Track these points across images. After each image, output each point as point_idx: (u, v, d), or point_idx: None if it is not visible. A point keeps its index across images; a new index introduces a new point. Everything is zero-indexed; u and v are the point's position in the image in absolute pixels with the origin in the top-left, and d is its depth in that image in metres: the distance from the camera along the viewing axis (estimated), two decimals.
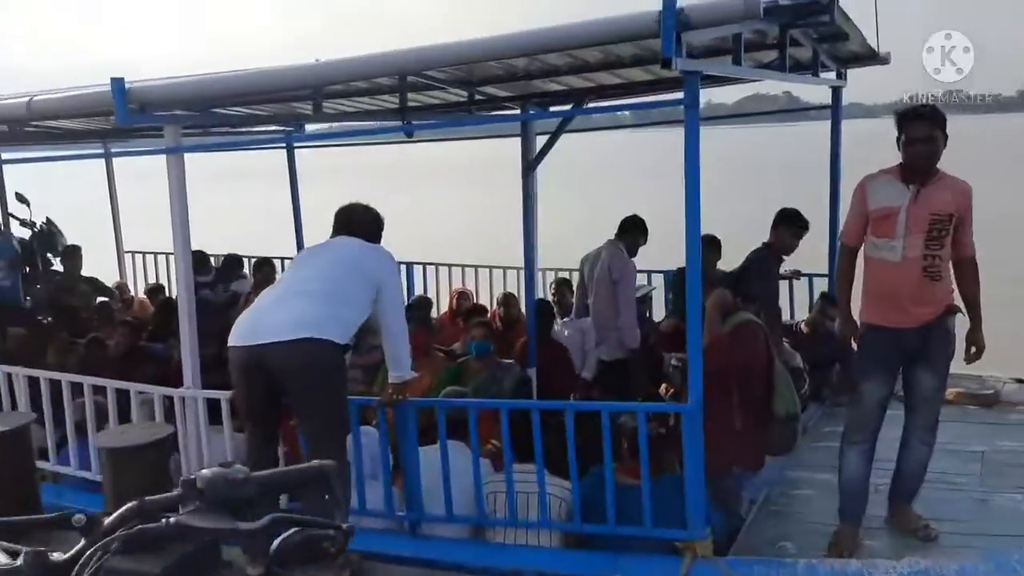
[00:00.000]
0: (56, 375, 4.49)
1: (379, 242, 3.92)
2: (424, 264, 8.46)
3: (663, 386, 5.99)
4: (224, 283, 7.57)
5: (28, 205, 8.28)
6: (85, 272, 8.27)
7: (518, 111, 6.28)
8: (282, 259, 8.34)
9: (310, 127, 7.45)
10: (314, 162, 8.28)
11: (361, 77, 4.11)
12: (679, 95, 3.52)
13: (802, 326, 6.42)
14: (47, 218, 8.50)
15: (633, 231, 5.85)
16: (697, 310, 3.62)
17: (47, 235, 8.38)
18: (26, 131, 7.37)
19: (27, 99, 3.98)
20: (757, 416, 4.23)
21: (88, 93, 3.79)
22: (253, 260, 8.07)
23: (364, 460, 3.98)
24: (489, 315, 7.06)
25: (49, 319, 7.19)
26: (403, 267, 8.36)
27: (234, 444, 4.05)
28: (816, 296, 6.51)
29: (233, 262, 7.93)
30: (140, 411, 4.26)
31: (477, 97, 5.78)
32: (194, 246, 7.58)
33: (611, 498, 3.69)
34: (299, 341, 3.35)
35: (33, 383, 4.56)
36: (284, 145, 7.93)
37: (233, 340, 3.49)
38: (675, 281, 6.48)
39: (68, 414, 4.42)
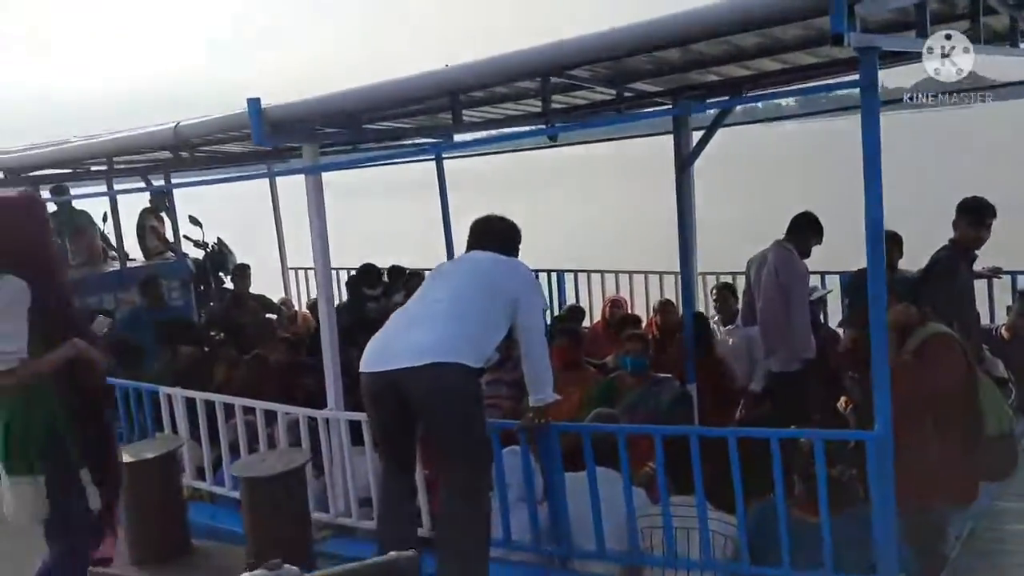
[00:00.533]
0: (210, 396, 4.55)
1: (516, 255, 3.66)
2: (576, 271, 8.16)
3: (842, 400, 5.42)
4: (388, 296, 7.55)
5: (201, 227, 8.75)
6: (254, 289, 8.60)
7: (670, 106, 5.86)
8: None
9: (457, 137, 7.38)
10: (457, 171, 8.15)
11: (501, 78, 3.87)
12: (852, 77, 3.06)
13: (1002, 331, 5.66)
14: (218, 238, 8.95)
15: (805, 230, 5.29)
16: (881, 320, 3.12)
17: (218, 255, 8.82)
18: (195, 156, 7.78)
19: (174, 125, 4.06)
20: (962, 440, 3.63)
21: (227, 116, 3.81)
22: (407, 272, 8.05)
23: (510, 482, 3.76)
24: (645, 324, 6.69)
25: (220, 336, 7.49)
26: (554, 275, 8.14)
27: (375, 466, 3.91)
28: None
29: (397, 274, 7.91)
30: (287, 432, 4.23)
31: (625, 95, 5.44)
32: (360, 260, 7.82)
33: (785, 536, 3.25)
34: (428, 367, 3.14)
35: (191, 403, 4.66)
36: (432, 157, 7.90)
37: (363, 366, 3.34)
38: (852, 284, 5.84)
39: (222, 435, 4.47)
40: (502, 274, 3.48)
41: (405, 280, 7.63)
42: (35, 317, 3.00)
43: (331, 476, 4.12)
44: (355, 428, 4.03)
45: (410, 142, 6.95)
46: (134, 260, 8.89)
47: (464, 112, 5.27)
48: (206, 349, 7.16)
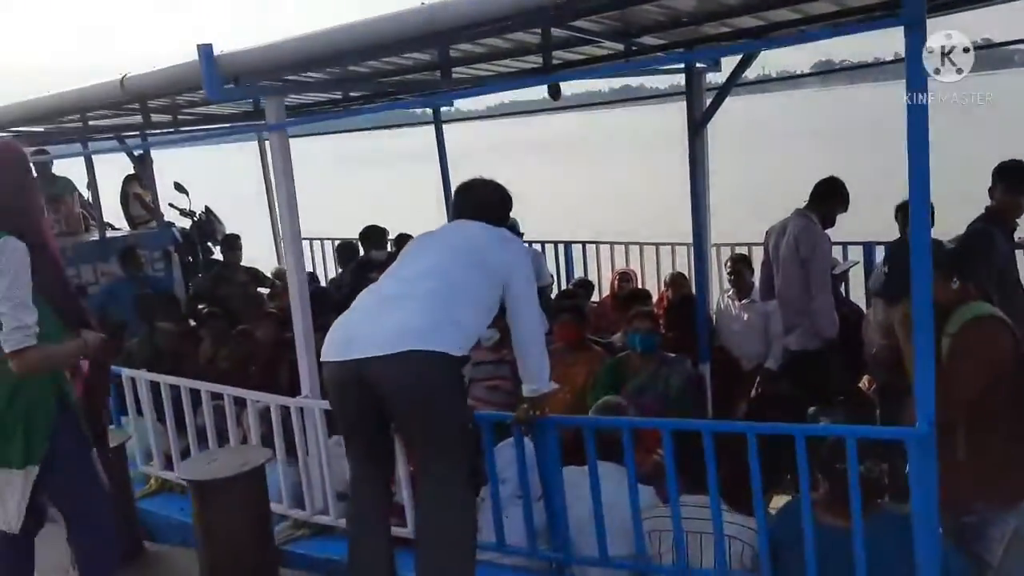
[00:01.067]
0: (175, 380, 4.14)
1: (506, 224, 3.22)
2: (584, 243, 7.70)
3: (865, 379, 5.00)
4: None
5: (187, 194, 8.32)
6: (251, 262, 8.14)
7: (683, 53, 5.33)
8: None
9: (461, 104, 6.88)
10: (461, 140, 7.68)
11: (492, 19, 3.39)
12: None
13: None
14: (206, 207, 8.52)
15: (830, 198, 4.83)
16: (925, 295, 2.70)
17: (206, 224, 8.40)
18: (179, 119, 7.35)
19: (120, 77, 3.61)
20: (1010, 434, 3.20)
21: (178, 66, 3.35)
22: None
23: (505, 478, 3.36)
24: (656, 298, 6.28)
25: (206, 309, 7.10)
26: (561, 247, 7.69)
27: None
28: None
29: (405, 243, 7.30)
30: (259, 420, 3.84)
31: (633, 48, 4.97)
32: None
33: (811, 543, 2.86)
34: (403, 355, 2.66)
35: (157, 387, 4.26)
36: (422, 121, 7.45)
37: (325, 354, 2.86)
38: (894, 253, 5.38)
39: (189, 422, 4.08)
40: (491, 247, 3.01)
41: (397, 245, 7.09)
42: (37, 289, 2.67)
43: (306, 470, 3.74)
44: (333, 416, 3.63)
45: (396, 99, 6.44)
46: (118, 229, 8.49)
47: (456, 70, 4.82)
48: (193, 323, 6.80)
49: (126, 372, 4.35)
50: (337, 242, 8.03)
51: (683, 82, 5.25)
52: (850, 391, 4.81)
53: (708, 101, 5.12)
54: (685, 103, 5.19)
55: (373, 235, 6.95)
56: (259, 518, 3.14)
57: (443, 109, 7.64)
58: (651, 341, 4.42)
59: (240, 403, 3.97)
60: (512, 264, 2.98)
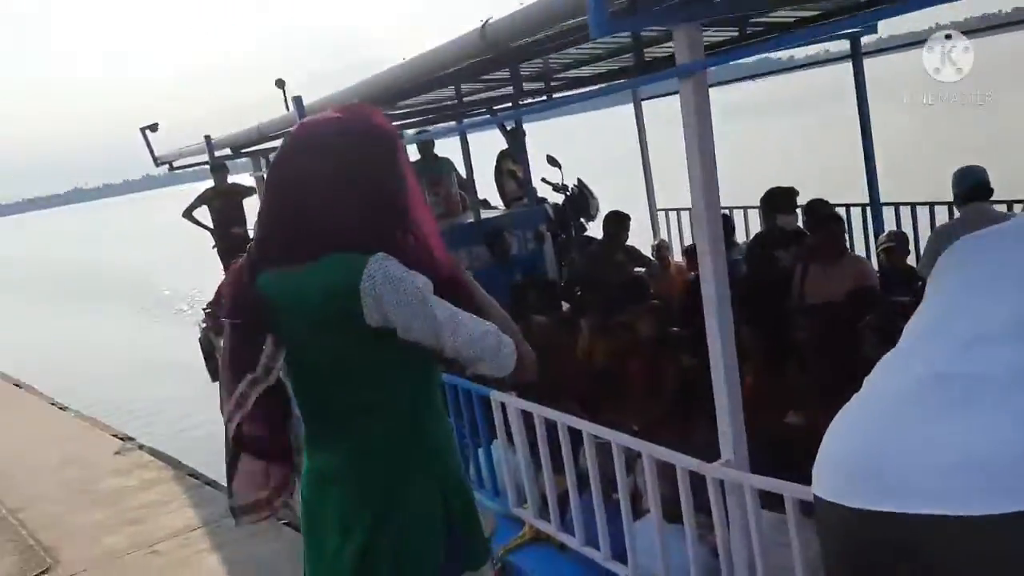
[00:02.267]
0: (550, 413, 3.19)
1: None
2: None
3: None
4: (808, 234, 5.24)
5: (559, 167, 7.69)
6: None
7: None
8: (849, 207, 6.22)
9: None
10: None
11: None
12: None
13: None
14: (579, 180, 7.83)
15: None
16: None
17: (579, 198, 7.71)
18: (551, 85, 6.76)
19: (481, 24, 2.75)
20: None
21: None
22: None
23: None
24: None
25: (583, 295, 6.33)
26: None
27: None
28: None
29: (820, 212, 5.34)
30: (655, 477, 2.80)
31: None
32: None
33: None
34: (1013, 521, 1.28)
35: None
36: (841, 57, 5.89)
37: (824, 486, 1.52)
38: None
39: (567, 467, 3.15)
40: None
41: (832, 221, 5.33)
42: None
43: (727, 556, 2.63)
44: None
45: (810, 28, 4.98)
46: (493, 208, 8.12)
47: None
48: (568, 308, 6.09)
49: (495, 395, 3.59)
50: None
51: None
52: None
53: None
54: None
55: (779, 198, 5.56)
56: None
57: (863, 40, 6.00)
58: None
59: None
60: None
